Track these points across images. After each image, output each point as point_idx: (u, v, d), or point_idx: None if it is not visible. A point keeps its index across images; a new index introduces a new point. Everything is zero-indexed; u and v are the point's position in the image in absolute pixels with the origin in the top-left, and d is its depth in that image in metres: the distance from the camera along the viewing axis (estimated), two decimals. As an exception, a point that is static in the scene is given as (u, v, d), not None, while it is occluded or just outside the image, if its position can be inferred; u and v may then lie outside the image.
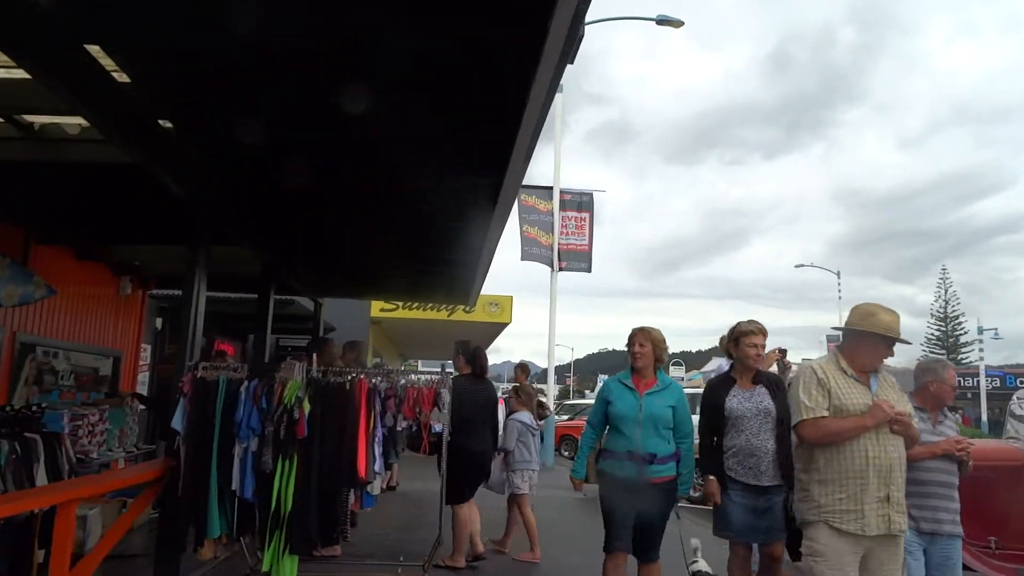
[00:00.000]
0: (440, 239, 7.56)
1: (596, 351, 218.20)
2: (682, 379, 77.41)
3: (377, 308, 17.73)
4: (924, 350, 62.35)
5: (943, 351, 62.20)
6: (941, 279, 64.61)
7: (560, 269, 16.98)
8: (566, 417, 23.88)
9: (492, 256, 8.49)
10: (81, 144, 4.96)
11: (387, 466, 5.31)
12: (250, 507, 4.68)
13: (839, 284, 45.11)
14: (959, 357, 59.64)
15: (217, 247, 7.87)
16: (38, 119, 4.81)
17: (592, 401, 30.51)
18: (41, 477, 4.97)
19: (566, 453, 20.61)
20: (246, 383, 4.70)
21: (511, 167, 4.30)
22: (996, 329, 36.71)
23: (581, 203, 17.24)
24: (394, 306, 17.75)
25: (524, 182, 18.04)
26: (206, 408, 4.65)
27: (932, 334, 64.84)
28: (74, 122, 4.77)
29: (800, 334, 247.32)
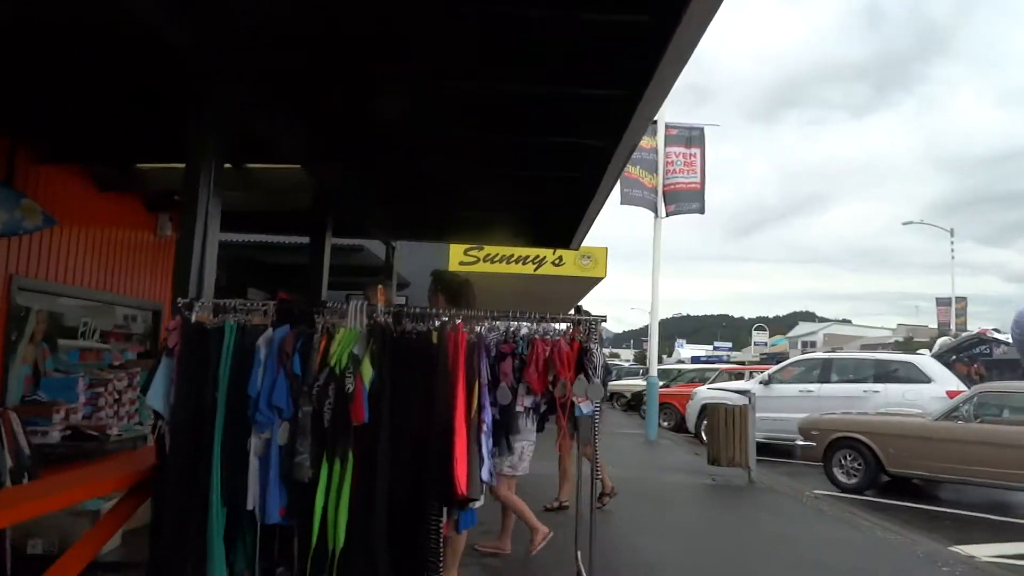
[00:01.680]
0: (554, 155, 5.62)
1: (671, 316, 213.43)
2: (766, 344, 74.16)
3: (456, 261, 15.88)
4: None
5: None
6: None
7: (668, 214, 14.70)
8: (661, 384, 21.70)
9: (612, 185, 6.50)
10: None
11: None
12: (279, 536, 2.85)
13: (952, 243, 40.98)
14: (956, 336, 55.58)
15: (252, 163, 6.15)
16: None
17: (673, 366, 28.21)
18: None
19: (665, 423, 18.54)
20: (270, 331, 2.83)
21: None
22: None
23: (691, 138, 14.86)
24: (474, 258, 15.88)
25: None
26: (203, 374, 2.80)
27: (1040, 298, 60.49)
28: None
29: (888, 299, 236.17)
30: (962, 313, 42.97)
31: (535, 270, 15.88)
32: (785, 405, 12.61)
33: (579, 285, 17.18)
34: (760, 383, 13.33)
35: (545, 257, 15.90)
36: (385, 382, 2.83)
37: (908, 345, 43.25)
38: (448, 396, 2.81)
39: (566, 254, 15.88)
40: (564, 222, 8.36)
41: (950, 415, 8.84)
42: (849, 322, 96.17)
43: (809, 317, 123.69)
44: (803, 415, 12.12)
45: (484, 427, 2.86)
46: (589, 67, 4.03)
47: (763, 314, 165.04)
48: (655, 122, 14.87)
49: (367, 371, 2.79)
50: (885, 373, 12.11)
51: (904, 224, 43.53)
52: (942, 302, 43.44)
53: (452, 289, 4.36)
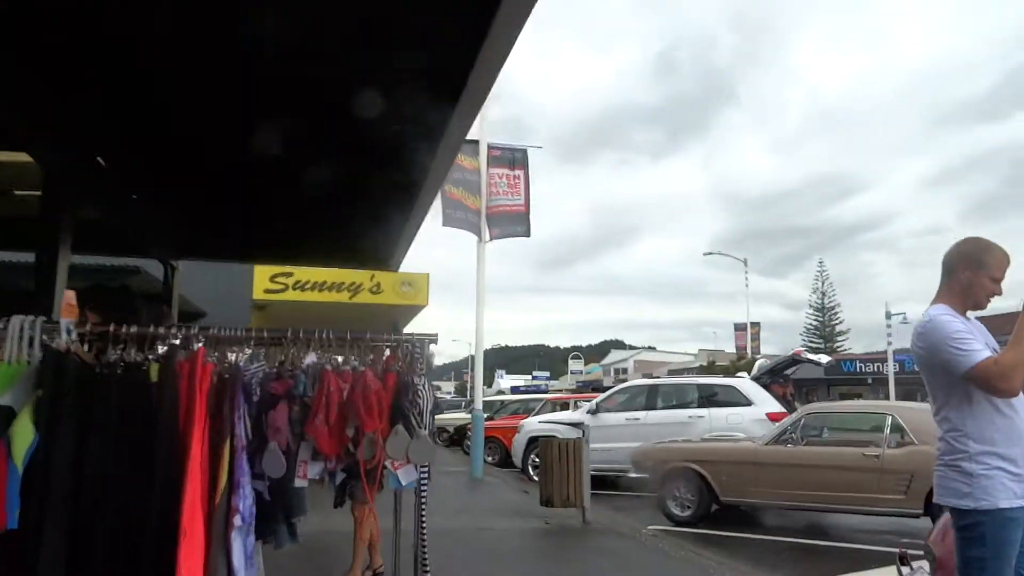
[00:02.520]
0: (377, 153, 4.55)
1: (491, 347, 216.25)
2: (581, 372, 76.54)
3: (260, 288, 14.24)
4: (804, 340, 66.21)
5: (820, 340, 65.20)
6: (819, 272, 67.30)
7: (492, 237, 14.00)
8: (486, 416, 20.93)
9: (431, 199, 5.62)
10: None
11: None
12: None
13: (746, 272, 44.35)
14: (835, 346, 62.77)
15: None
16: None
17: (495, 397, 27.65)
18: None
19: (489, 458, 17.72)
20: None
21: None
22: (904, 314, 36.46)
23: (514, 159, 14.33)
24: (282, 285, 14.32)
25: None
26: None
27: (811, 324, 68.34)
28: None
29: (686, 326, 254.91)
30: (756, 337, 46.43)
31: (351, 298, 14.62)
32: (613, 434, 12.21)
33: (399, 313, 16.07)
34: (588, 412, 12.88)
35: (362, 284, 14.68)
36: (60, 452, 1.63)
37: (711, 369, 46.05)
38: (172, 470, 1.66)
39: (384, 280, 14.74)
40: (381, 241, 7.28)
41: (779, 439, 8.69)
42: (654, 349, 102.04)
43: (619, 345, 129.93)
44: (631, 444, 11.77)
45: (237, 520, 1.74)
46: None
47: (577, 343, 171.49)
48: (476, 142, 14.23)
49: (22, 435, 1.59)
50: (708, 397, 12.08)
51: (705, 255, 46.86)
52: (739, 327, 46.71)
53: (103, 302, 3.01)
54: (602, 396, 13.50)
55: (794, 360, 12.91)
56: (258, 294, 14.23)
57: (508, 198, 14.11)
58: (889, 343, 36.69)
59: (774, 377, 12.49)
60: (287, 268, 14.76)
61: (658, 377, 13.76)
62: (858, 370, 43.01)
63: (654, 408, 12.47)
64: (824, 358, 15.31)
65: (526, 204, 14.21)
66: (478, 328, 13.85)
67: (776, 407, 11.53)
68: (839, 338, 65.74)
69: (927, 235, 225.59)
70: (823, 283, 67.69)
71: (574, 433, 12.20)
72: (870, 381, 41.62)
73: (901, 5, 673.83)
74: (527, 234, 14.19)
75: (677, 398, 12.69)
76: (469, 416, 17.89)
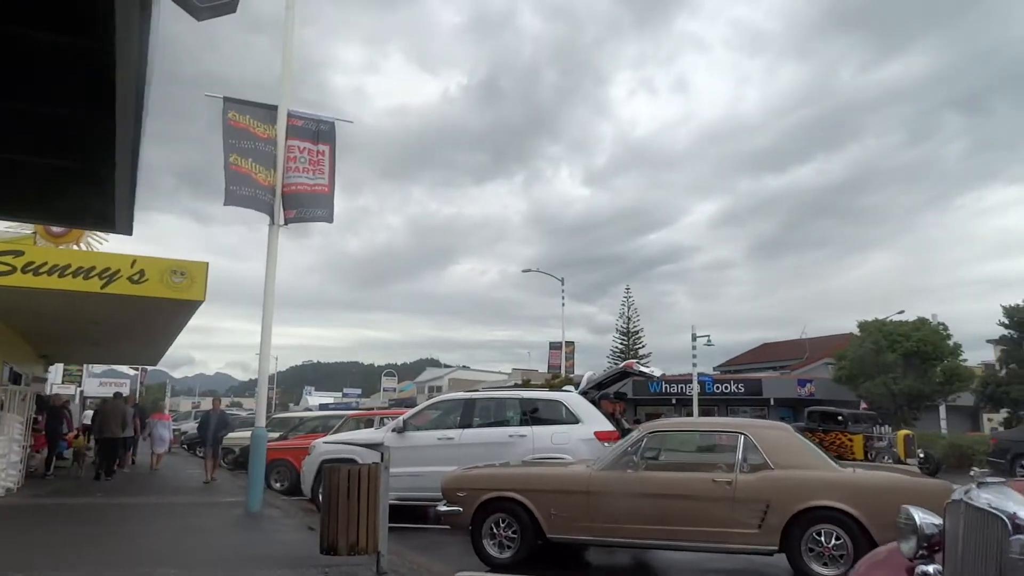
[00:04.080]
0: None
1: (301, 363, 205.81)
2: (394, 389, 74.29)
3: (-27, 269, 10.96)
4: (609, 362, 69.19)
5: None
6: (625, 298, 70.00)
7: (287, 220, 11.70)
8: (276, 436, 18.22)
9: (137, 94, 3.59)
10: None
11: None
12: None
13: (563, 291, 44.39)
14: (600, 371, 65.99)
15: None
16: None
17: (295, 414, 24.82)
18: None
19: (278, 485, 15.19)
20: None
21: None
22: (708, 336, 37.87)
23: (319, 132, 12.15)
24: (8, 267, 11.12)
25: (232, 94, 12.46)
26: None
27: (616, 347, 71.15)
28: None
29: (499, 347, 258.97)
30: (571, 356, 46.64)
31: (103, 287, 11.64)
32: (422, 456, 10.39)
33: (169, 310, 13.23)
34: (393, 431, 10.95)
35: (119, 270, 11.77)
36: None
37: (528, 388, 45.51)
38: None
39: (148, 267, 11.94)
40: (93, 193, 4.99)
41: (617, 463, 7.28)
42: (469, 368, 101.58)
43: (434, 363, 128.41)
44: (443, 468, 10.03)
45: None
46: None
47: (392, 361, 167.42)
48: (274, 108, 11.96)
49: None
50: (531, 414, 10.59)
51: (524, 271, 46.32)
52: (554, 346, 46.72)
53: None
54: (410, 412, 11.61)
55: (625, 373, 11.78)
56: (-30, 277, 10.94)
57: (308, 176, 11.91)
58: (694, 364, 37.85)
59: (603, 392, 11.25)
60: (15, 245, 11.58)
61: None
62: (663, 391, 44.30)
63: (470, 426, 10.79)
64: (657, 371, 14.45)
65: (330, 184, 12.09)
66: (265, 321, 11.49)
67: (606, 425, 10.27)
68: (641, 360, 69.68)
69: (716, 269, 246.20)
70: (629, 308, 70.57)
71: (375, 458, 10.28)
72: (674, 402, 42.92)
73: (702, 62, 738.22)
74: (329, 219, 12.04)
75: (496, 415, 11.10)
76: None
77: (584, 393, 11.01)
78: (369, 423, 15.47)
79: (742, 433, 6.95)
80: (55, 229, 15.04)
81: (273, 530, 9.55)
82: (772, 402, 40.17)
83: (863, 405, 31.02)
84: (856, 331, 37.16)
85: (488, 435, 10.62)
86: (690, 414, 35.68)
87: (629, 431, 10.79)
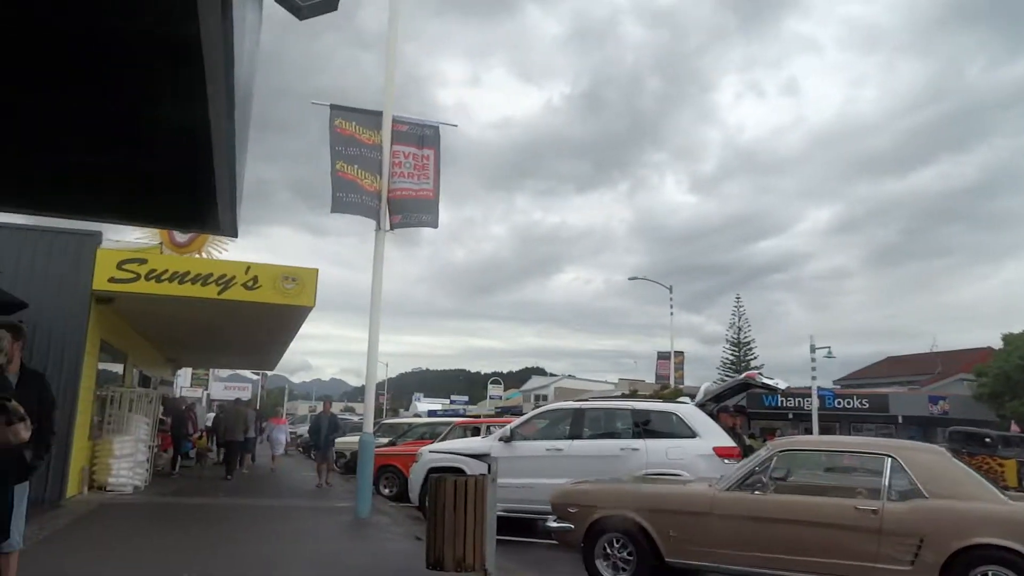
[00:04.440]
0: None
1: (410, 370, 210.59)
2: (500, 397, 74.60)
3: (104, 277, 11.49)
4: (719, 373, 67.15)
5: (736, 374, 65.69)
6: (735, 307, 67.53)
7: (393, 225, 11.66)
8: (385, 441, 18.35)
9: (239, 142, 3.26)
10: None
11: None
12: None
13: (671, 299, 43.10)
14: (716, 382, 63.57)
15: None
16: None
17: (403, 420, 24.79)
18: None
19: (387, 491, 15.22)
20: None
21: None
22: (829, 348, 35.75)
23: (423, 137, 12.10)
24: (132, 274, 11.60)
25: (339, 101, 12.56)
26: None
27: (727, 359, 68.86)
28: None
29: (605, 356, 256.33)
30: (680, 367, 45.27)
31: (219, 293, 11.98)
32: (530, 467, 10.01)
33: (281, 316, 13.50)
34: (501, 440, 10.64)
35: (235, 277, 12.08)
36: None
37: (640, 398, 44.51)
38: None
39: (262, 274, 12.20)
40: (195, 195, 4.90)
41: (744, 483, 6.65)
42: (574, 376, 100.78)
43: (539, 372, 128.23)
44: (552, 480, 9.63)
45: None
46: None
47: (498, 369, 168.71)
48: (379, 114, 11.95)
49: None
50: (644, 426, 10.03)
51: (630, 279, 45.25)
52: (662, 356, 45.47)
53: None
54: (518, 421, 11.28)
55: (746, 384, 11.01)
56: (100, 284, 11.47)
57: (413, 181, 11.83)
58: (813, 377, 35.83)
59: (721, 404, 10.53)
60: (140, 254, 12.07)
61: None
62: (779, 404, 42.21)
63: (579, 437, 10.33)
64: (782, 383, 13.51)
65: (435, 190, 11.96)
66: (372, 327, 11.44)
67: (726, 440, 9.58)
68: (759, 372, 67.42)
69: (831, 278, 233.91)
70: (739, 319, 68.25)
71: (481, 468, 9.99)
72: (790, 416, 40.79)
73: (813, 63, 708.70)
74: (434, 224, 11.91)
75: (607, 426, 10.59)
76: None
77: (701, 405, 10.34)
78: (476, 431, 15.26)
79: (889, 455, 6.16)
80: (179, 239, 15.67)
81: (381, 538, 9.41)
82: (900, 419, 37.42)
83: (1014, 427, 28.14)
84: (998, 344, 34.11)
85: (598, 447, 10.13)
86: (808, 430, 33.78)
87: (750, 447, 10.05)
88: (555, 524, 7.38)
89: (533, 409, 14.70)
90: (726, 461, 9.41)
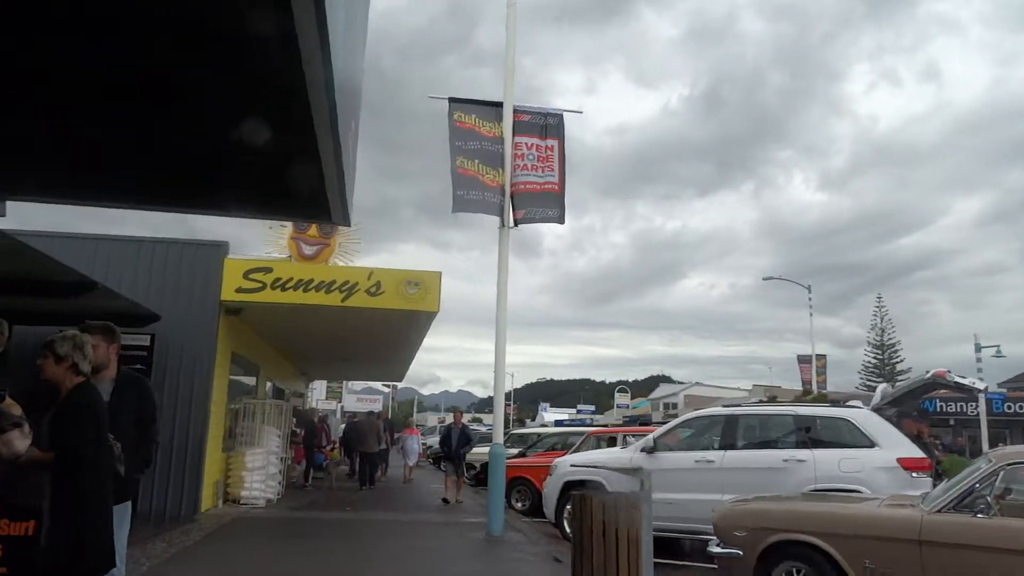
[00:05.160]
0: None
1: (536, 380, 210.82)
2: (628, 406, 72.85)
3: (231, 287, 11.42)
4: (861, 378, 62.58)
5: (880, 379, 61.53)
6: (876, 308, 62.89)
7: (516, 221, 10.96)
8: (514, 452, 17.64)
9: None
10: None
11: None
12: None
13: (810, 299, 40.27)
14: (896, 384, 59.30)
15: None
16: None
17: (532, 430, 23.83)
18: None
19: (519, 504, 14.48)
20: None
21: None
22: (999, 347, 32.21)
23: (547, 126, 11.34)
24: (258, 283, 11.48)
25: (457, 94, 11.98)
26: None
27: (869, 362, 64.22)
28: None
29: (732, 362, 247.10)
30: (822, 371, 42.25)
31: (343, 300, 11.69)
32: (677, 481, 8.95)
33: (405, 321, 13.08)
34: (643, 451, 9.63)
35: (357, 283, 11.75)
36: None
37: (807, 403, 41.98)
38: None
39: (385, 280, 11.80)
40: (305, 180, 4.48)
41: (961, 503, 5.37)
42: (702, 384, 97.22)
43: (666, 380, 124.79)
44: (702, 496, 8.60)
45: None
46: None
47: (623, 378, 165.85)
48: (499, 105, 11.29)
49: None
50: (809, 433, 8.75)
51: (764, 279, 42.75)
52: (803, 360, 42.55)
53: None
54: (661, 429, 10.21)
55: (934, 383, 9.42)
56: (228, 294, 11.41)
57: (538, 174, 11.07)
58: (980, 379, 32.34)
59: (904, 409, 9.04)
60: (264, 263, 11.95)
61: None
62: (939, 409, 38.52)
63: (733, 447, 9.17)
64: (979, 382, 11.66)
65: (560, 183, 11.13)
66: (499, 328, 10.72)
67: (912, 450, 8.17)
68: (899, 377, 62.97)
69: (984, 274, 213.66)
70: (882, 320, 63.47)
71: (624, 482, 9.01)
72: (952, 422, 37.19)
73: (954, 45, 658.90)
74: (560, 219, 11.06)
75: (765, 434, 9.35)
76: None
77: (877, 410, 8.93)
78: (612, 441, 14.29)
79: None
80: (307, 251, 15.64)
81: (516, 559, 8.63)
82: (1084, 427, 33.16)
83: None
84: None
85: (757, 458, 8.93)
86: (974, 437, 30.53)
87: (940, 461, 8.58)
88: (719, 549, 6.31)
89: (663, 418, 13.56)
90: (914, 475, 8.02)
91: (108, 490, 3.64)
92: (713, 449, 9.34)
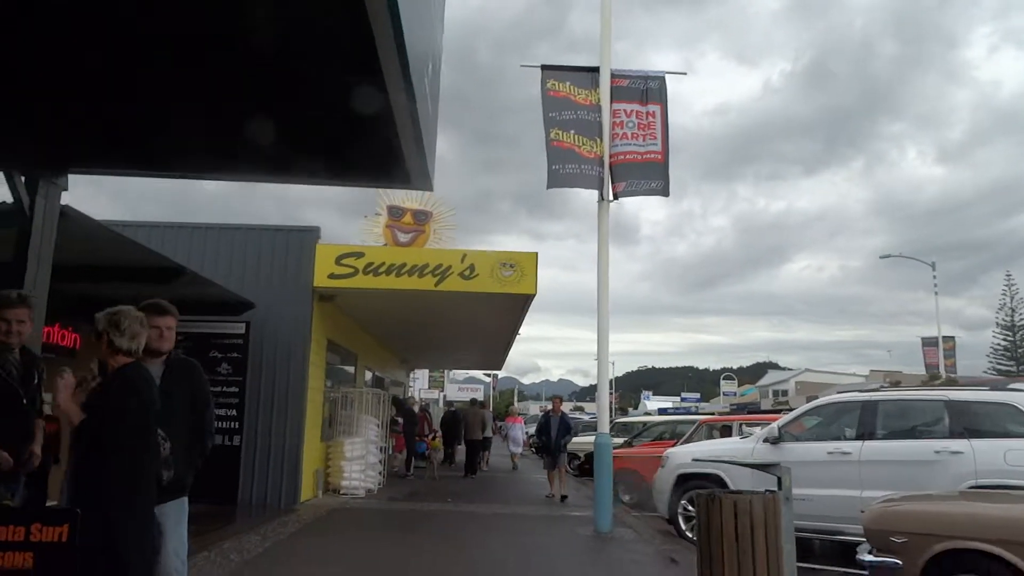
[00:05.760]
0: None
1: (636, 368, 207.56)
2: (734, 393, 70.41)
3: (324, 273, 11.16)
4: (991, 361, 57.95)
5: (1012, 362, 56.59)
6: (1006, 287, 57.83)
7: (616, 194, 10.15)
8: (619, 442, 16.71)
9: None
10: None
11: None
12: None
13: (935, 276, 37.25)
14: None
15: None
16: None
17: (637, 418, 22.76)
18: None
19: (626, 498, 13.67)
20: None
21: None
22: None
23: (647, 90, 10.45)
24: (350, 269, 11.17)
25: (549, 61, 11.19)
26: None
27: (999, 344, 59.21)
28: None
29: (843, 347, 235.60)
30: (951, 354, 39.20)
31: (436, 284, 11.23)
32: (807, 475, 7.89)
33: (501, 305, 12.51)
34: (765, 441, 8.69)
35: (451, 267, 11.27)
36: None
37: (956, 388, 39.24)
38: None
39: (479, 263, 11.25)
40: (380, 143, 4.06)
41: None
42: (812, 370, 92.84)
43: (773, 366, 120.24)
44: (836, 492, 7.65)
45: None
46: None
47: (728, 365, 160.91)
48: (595, 70, 10.48)
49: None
50: (966, 422, 7.59)
51: (882, 257, 40.08)
52: (928, 343, 39.59)
53: None
54: (786, 418, 9.19)
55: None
56: (321, 281, 11.15)
57: (639, 143, 10.20)
58: None
59: (1081, 391, 7.72)
60: (356, 248, 11.62)
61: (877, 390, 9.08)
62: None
63: (872, 436, 8.09)
64: None
65: (664, 151, 10.21)
66: (601, 309, 9.96)
67: (1099, 441, 6.90)
68: None
69: None
70: (1011, 299, 58.47)
71: (749, 478, 8.16)
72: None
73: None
74: (664, 192, 10.12)
75: (911, 421, 8.22)
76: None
77: (1047, 393, 7.65)
78: (726, 430, 13.27)
79: None
80: (402, 239, 15.30)
81: (628, 560, 7.88)
82: None
83: None
84: None
85: (902, 450, 7.83)
86: None
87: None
88: (874, 558, 5.37)
89: (772, 406, 12.40)
90: (1103, 470, 6.77)
91: (152, 491, 3.19)
92: (848, 439, 8.29)
